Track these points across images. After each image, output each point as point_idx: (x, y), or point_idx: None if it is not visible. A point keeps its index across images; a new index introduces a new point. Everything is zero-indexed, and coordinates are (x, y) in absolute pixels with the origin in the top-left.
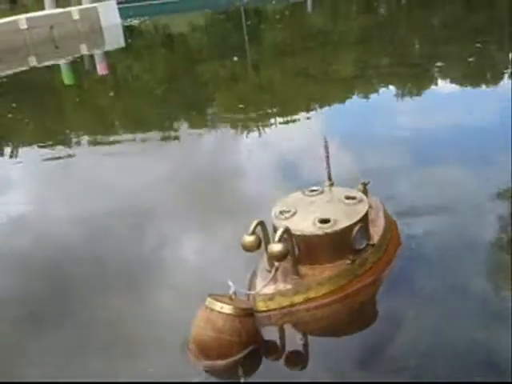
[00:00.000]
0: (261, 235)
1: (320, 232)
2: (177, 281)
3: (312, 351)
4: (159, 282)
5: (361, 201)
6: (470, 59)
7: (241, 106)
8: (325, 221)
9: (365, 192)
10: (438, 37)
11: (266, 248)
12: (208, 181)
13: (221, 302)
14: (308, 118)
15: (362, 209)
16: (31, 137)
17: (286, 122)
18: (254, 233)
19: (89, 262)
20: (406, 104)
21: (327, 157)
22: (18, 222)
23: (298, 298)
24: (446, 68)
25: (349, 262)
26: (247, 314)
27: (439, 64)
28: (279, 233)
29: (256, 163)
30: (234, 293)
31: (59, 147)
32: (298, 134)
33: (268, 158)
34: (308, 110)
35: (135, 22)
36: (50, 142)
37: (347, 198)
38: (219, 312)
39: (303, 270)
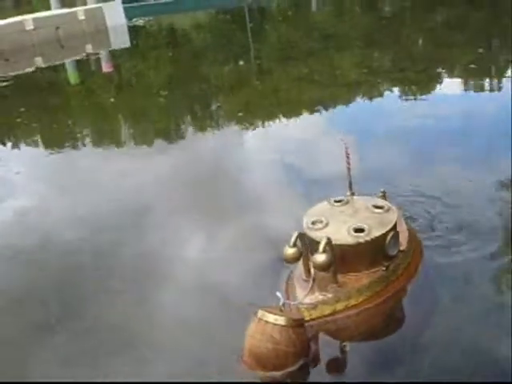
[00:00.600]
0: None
1: (357, 241)
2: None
3: (356, 356)
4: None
5: (388, 209)
6: (472, 64)
7: (240, 114)
8: (359, 230)
9: (384, 199)
10: (442, 39)
11: (303, 258)
12: (210, 183)
13: (274, 313)
14: (314, 120)
15: (392, 217)
16: (39, 139)
17: (290, 124)
18: (295, 245)
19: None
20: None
21: (348, 168)
22: (22, 221)
23: (340, 306)
24: (449, 71)
25: (383, 268)
26: (299, 325)
27: (441, 68)
28: (323, 243)
29: (261, 169)
30: (283, 304)
31: (65, 149)
32: (304, 136)
33: (279, 166)
34: (313, 111)
35: (140, 21)
36: (57, 144)
37: (375, 207)
38: (274, 324)
39: (340, 278)
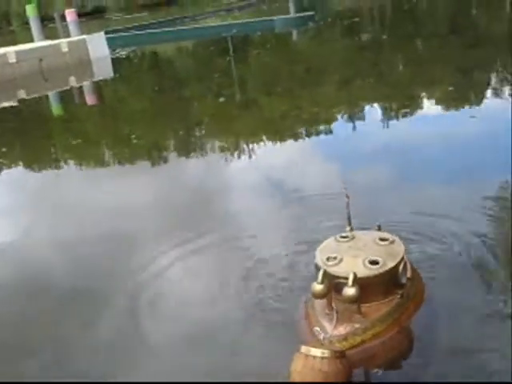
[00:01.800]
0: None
1: (374, 273)
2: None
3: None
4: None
5: (394, 241)
6: (452, 84)
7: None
8: (374, 262)
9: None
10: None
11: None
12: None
13: (319, 347)
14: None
15: (400, 248)
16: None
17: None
18: (323, 282)
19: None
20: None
21: (348, 203)
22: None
23: (367, 335)
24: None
25: (399, 296)
26: (343, 355)
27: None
28: (351, 278)
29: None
30: (323, 338)
31: (48, 175)
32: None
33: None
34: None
35: (122, 53)
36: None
37: (381, 239)
38: (322, 357)
39: (362, 308)
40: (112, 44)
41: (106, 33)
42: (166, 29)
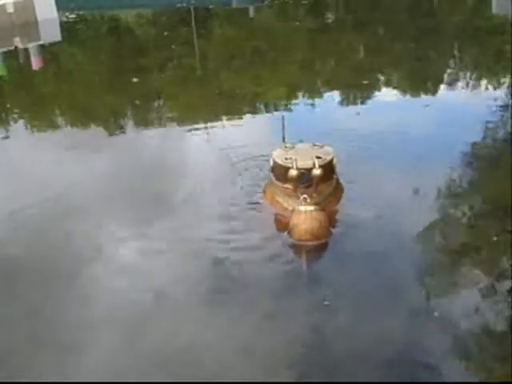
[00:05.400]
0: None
1: (324, 162)
2: None
3: None
4: None
5: (323, 146)
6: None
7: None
8: (318, 157)
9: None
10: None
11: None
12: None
13: (313, 206)
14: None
15: (329, 149)
16: None
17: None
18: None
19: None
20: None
21: (283, 124)
22: None
23: (323, 205)
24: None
25: (334, 181)
26: (323, 210)
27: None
28: (317, 163)
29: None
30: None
31: None
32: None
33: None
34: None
35: (72, 16)
36: None
37: (314, 145)
38: (315, 210)
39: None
40: (64, 5)
41: None
42: None
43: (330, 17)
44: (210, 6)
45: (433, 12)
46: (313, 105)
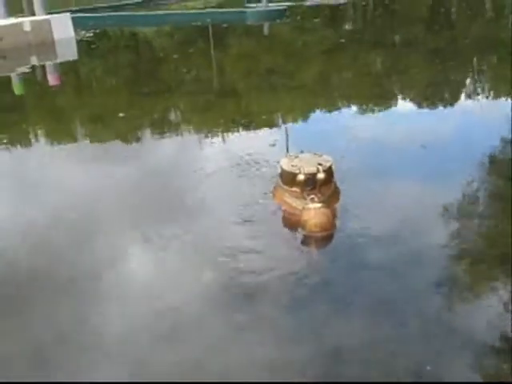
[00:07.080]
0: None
1: (325, 167)
2: None
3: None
4: None
5: (322, 155)
6: (429, 78)
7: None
8: (320, 164)
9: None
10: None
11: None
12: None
13: (321, 204)
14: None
15: (328, 158)
16: None
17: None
18: (304, 175)
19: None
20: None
21: (287, 134)
22: None
23: (325, 205)
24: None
25: (333, 184)
26: (329, 207)
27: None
28: (321, 169)
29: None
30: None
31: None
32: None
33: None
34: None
35: (89, 35)
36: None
37: (314, 154)
38: (324, 207)
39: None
40: (79, 25)
41: (73, 12)
42: (136, 13)
43: (345, 32)
44: (224, 25)
45: (451, 24)
46: (328, 118)
